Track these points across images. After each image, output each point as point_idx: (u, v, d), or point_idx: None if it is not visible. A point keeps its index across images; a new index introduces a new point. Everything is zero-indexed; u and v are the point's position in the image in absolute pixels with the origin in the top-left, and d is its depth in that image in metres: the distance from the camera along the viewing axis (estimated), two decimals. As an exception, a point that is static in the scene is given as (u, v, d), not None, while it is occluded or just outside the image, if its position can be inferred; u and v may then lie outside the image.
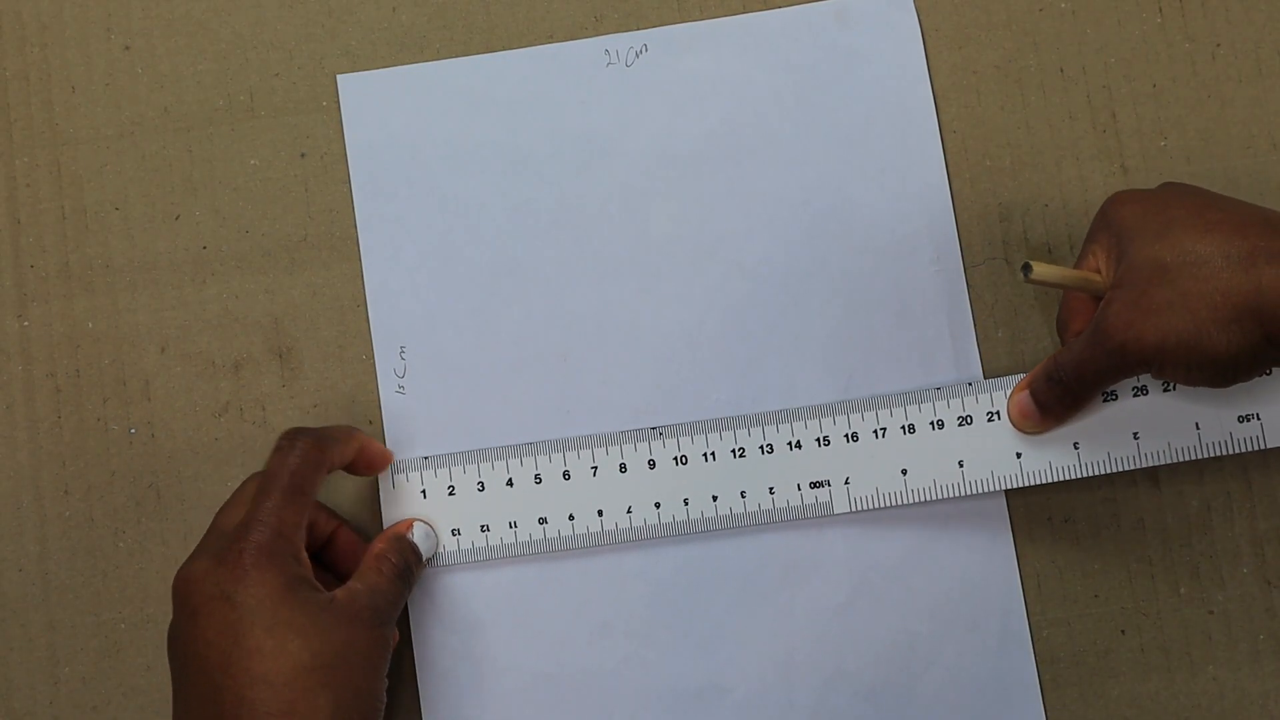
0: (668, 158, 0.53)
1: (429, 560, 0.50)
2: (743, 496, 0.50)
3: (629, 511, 0.50)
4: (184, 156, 0.53)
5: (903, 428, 0.50)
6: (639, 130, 0.53)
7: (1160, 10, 0.53)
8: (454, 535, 0.50)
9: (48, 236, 0.53)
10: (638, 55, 0.53)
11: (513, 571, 0.51)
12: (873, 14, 0.53)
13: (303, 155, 0.53)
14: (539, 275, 0.52)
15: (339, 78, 0.53)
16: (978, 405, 0.50)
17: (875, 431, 0.50)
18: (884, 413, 0.50)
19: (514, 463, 0.51)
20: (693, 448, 0.50)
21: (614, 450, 0.51)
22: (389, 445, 0.52)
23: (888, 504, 0.50)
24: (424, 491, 0.51)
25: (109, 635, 0.51)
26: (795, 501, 0.50)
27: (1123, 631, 0.51)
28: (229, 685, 0.42)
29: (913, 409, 0.50)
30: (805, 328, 0.52)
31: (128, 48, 0.54)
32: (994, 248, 0.52)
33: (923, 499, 0.50)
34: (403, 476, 0.51)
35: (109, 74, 0.54)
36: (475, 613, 0.51)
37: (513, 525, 0.50)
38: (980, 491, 0.49)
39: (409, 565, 0.49)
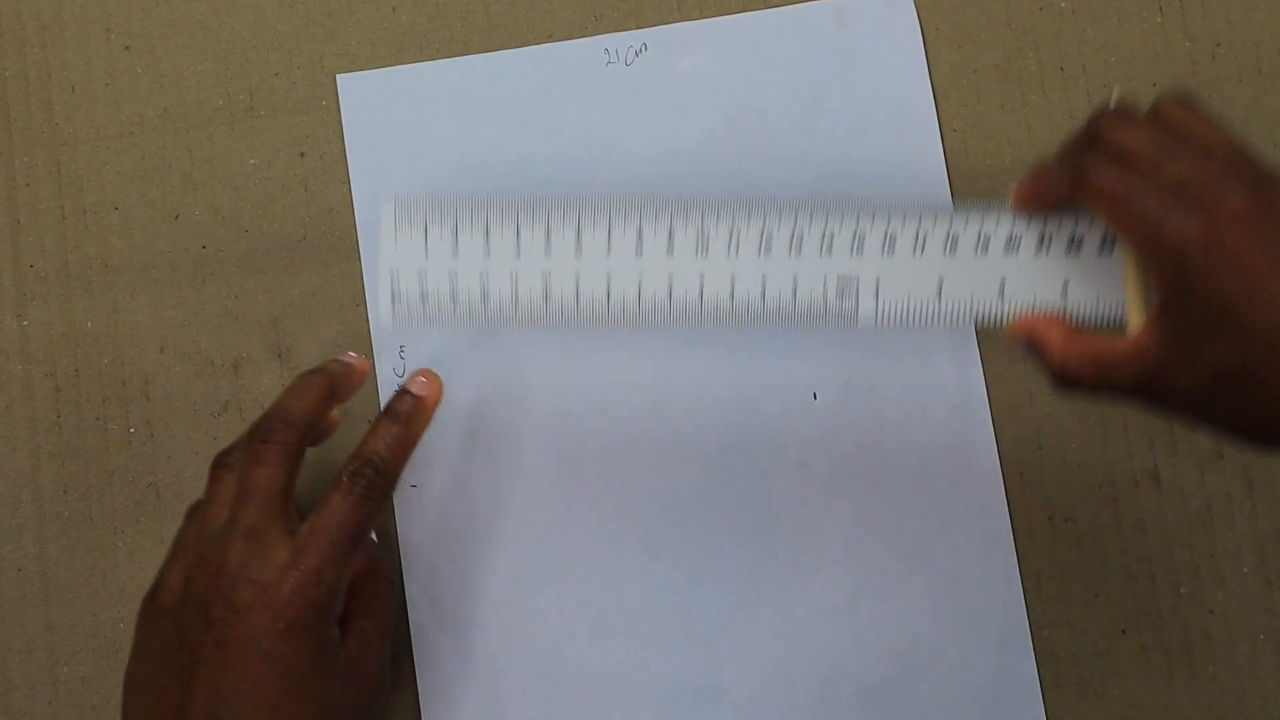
0: (668, 157, 0.53)
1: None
2: (763, 286, 0.46)
3: (639, 288, 0.47)
4: (184, 156, 0.53)
5: (945, 243, 0.45)
6: (639, 130, 0.53)
7: (1160, 9, 0.53)
8: (451, 298, 0.47)
9: (47, 236, 0.53)
10: (637, 54, 0.53)
11: (512, 571, 0.51)
12: (872, 13, 0.53)
13: (302, 155, 0.53)
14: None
15: (339, 78, 0.53)
16: (1028, 230, 0.45)
17: (915, 242, 0.46)
18: (927, 223, 0.46)
19: (524, 229, 0.47)
20: (716, 234, 0.46)
21: (631, 228, 0.47)
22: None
23: (917, 321, 0.46)
24: (426, 250, 0.47)
25: (109, 635, 0.51)
26: (819, 299, 0.46)
27: (1123, 631, 0.51)
28: None
29: (959, 222, 0.45)
30: (805, 327, 0.52)
31: (128, 48, 0.54)
32: (994, 247, 0.52)
33: (955, 321, 0.45)
34: (405, 224, 0.47)
35: (109, 74, 0.54)
36: (475, 612, 0.51)
37: (513, 280, 0.47)
38: (1020, 315, 0.45)
39: (389, 569, 0.49)
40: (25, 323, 0.53)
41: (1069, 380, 0.43)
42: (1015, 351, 0.50)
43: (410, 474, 0.51)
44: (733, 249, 0.46)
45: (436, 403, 0.49)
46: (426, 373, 0.49)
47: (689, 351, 0.52)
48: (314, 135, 0.53)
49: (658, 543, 0.51)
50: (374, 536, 0.50)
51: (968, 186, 0.52)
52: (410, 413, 0.47)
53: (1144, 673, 0.51)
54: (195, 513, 0.46)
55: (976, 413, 0.51)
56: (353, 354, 0.49)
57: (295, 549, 0.43)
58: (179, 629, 0.43)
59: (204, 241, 0.53)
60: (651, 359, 0.52)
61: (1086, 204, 0.42)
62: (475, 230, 0.47)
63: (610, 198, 0.47)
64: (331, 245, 0.53)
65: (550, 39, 0.53)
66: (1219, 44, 0.53)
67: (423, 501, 0.51)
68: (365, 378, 0.49)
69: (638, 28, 0.53)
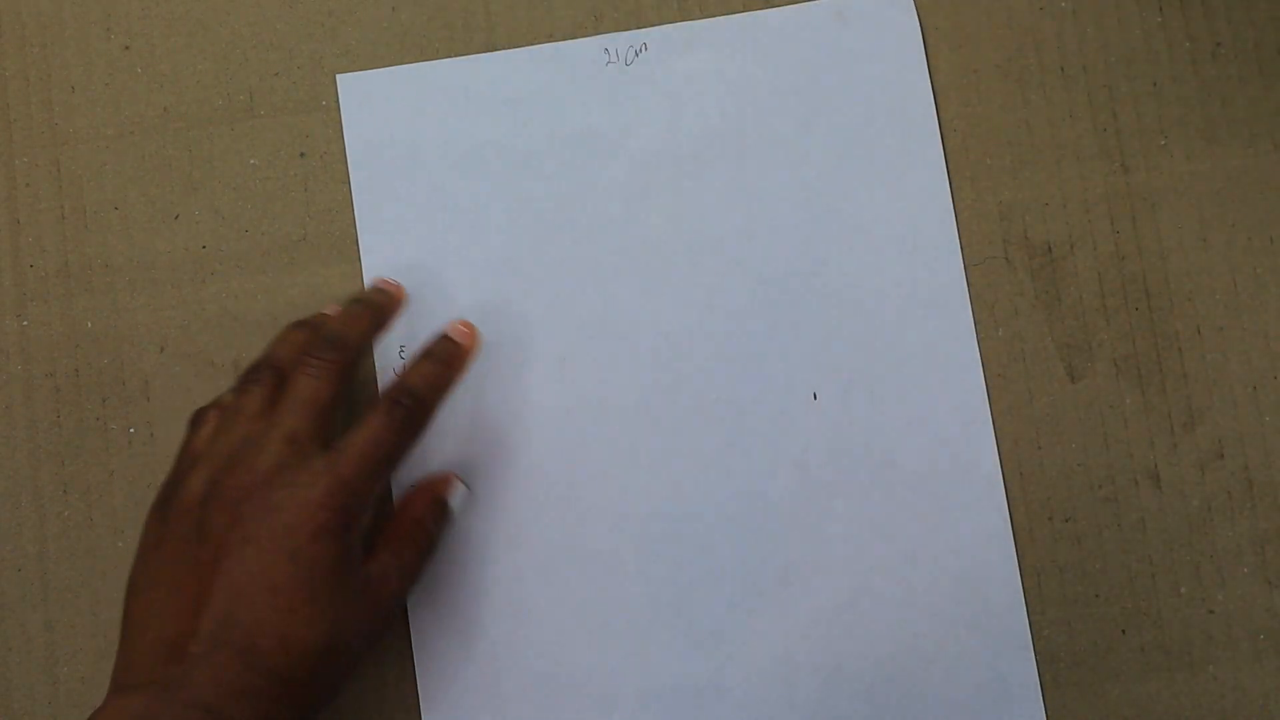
0: (668, 156, 0.53)
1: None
2: None
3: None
4: (184, 156, 0.53)
5: None
6: (639, 129, 0.53)
7: (1160, 9, 0.53)
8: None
9: (47, 236, 0.53)
10: (637, 54, 0.53)
11: (513, 570, 0.51)
12: (873, 13, 0.53)
13: (303, 155, 0.53)
14: (539, 275, 0.52)
15: (339, 77, 0.53)
16: None
17: None
18: None
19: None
20: None
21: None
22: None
23: None
24: None
25: (108, 635, 0.51)
26: None
27: (1123, 631, 0.51)
28: (246, 628, 0.42)
29: None
30: (805, 327, 0.52)
31: (127, 48, 0.54)
32: (994, 247, 0.52)
33: None
34: None
35: (109, 74, 0.54)
36: (475, 613, 0.51)
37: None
38: None
39: (440, 535, 0.49)
40: (25, 323, 0.53)
41: None
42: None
43: (410, 474, 0.51)
44: None
45: (473, 351, 0.50)
46: (467, 324, 0.50)
47: (689, 352, 0.52)
48: (314, 135, 0.53)
49: (658, 543, 0.51)
50: (457, 500, 0.50)
51: (967, 186, 0.52)
52: (449, 356, 0.48)
53: (1144, 673, 0.51)
54: (202, 422, 0.47)
55: (976, 413, 0.51)
56: (390, 279, 0.51)
57: (331, 459, 0.44)
58: (200, 528, 0.44)
59: (204, 241, 0.53)
60: (651, 359, 0.52)
61: None
62: None
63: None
64: (331, 245, 0.53)
65: (550, 39, 0.53)
66: (1219, 43, 0.53)
67: (423, 501, 0.51)
68: (404, 304, 0.51)
69: (638, 28, 0.53)
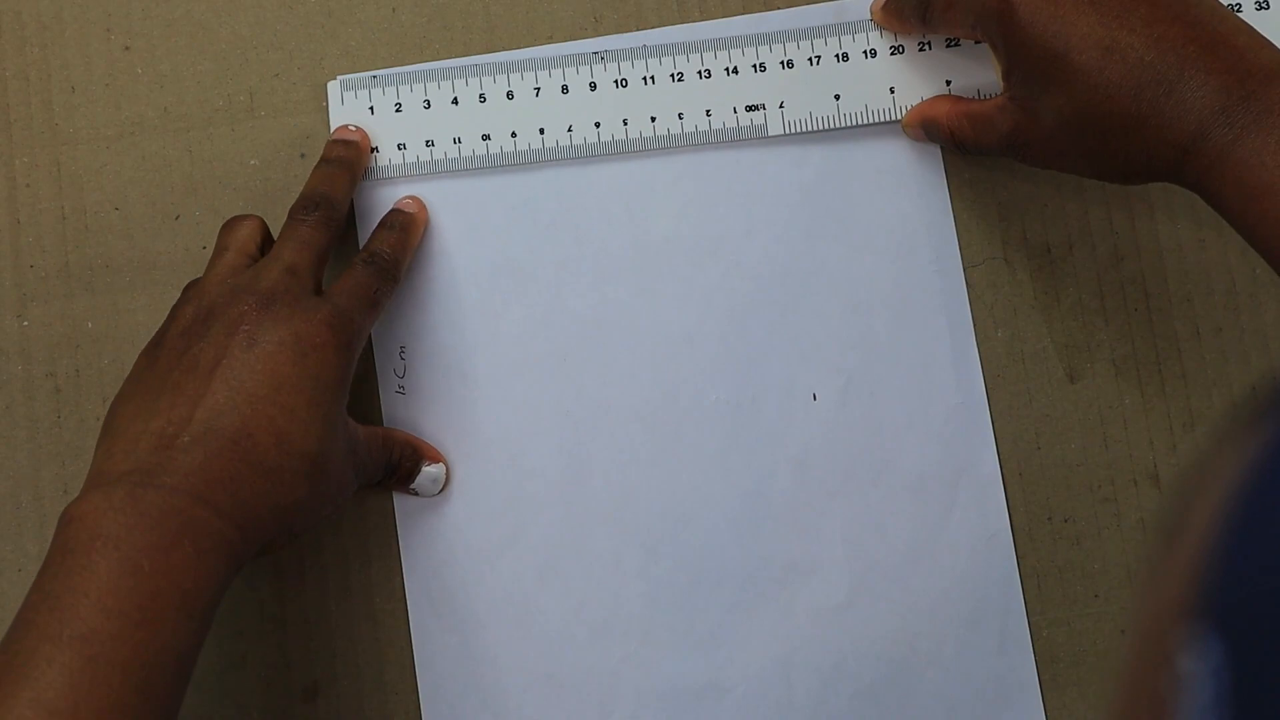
0: (667, 157, 0.53)
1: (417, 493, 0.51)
2: (680, 118, 0.52)
3: (570, 130, 0.52)
4: (184, 156, 0.53)
5: (836, 55, 0.51)
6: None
7: (1160, 10, 0.53)
8: (400, 149, 0.52)
9: (48, 236, 0.53)
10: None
11: (513, 570, 0.51)
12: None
13: (302, 155, 0.53)
14: (539, 275, 0.52)
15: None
16: (910, 36, 0.51)
17: (810, 59, 0.51)
18: (819, 41, 0.51)
19: (459, 82, 0.52)
20: (633, 71, 0.52)
21: (556, 72, 0.52)
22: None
23: (820, 128, 0.51)
24: (371, 108, 0.52)
25: (109, 635, 0.51)
26: (730, 124, 0.52)
27: (1123, 631, 0.51)
28: (243, 417, 0.42)
29: (846, 38, 0.51)
30: (805, 328, 0.52)
31: (128, 48, 0.54)
32: (993, 248, 0.52)
33: (854, 123, 0.51)
34: (351, 93, 0.52)
35: (109, 74, 0.54)
36: (475, 613, 0.51)
37: (457, 140, 0.52)
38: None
39: (392, 469, 0.49)
40: (25, 323, 0.53)
41: (959, 141, 0.49)
42: (915, 136, 0.52)
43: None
44: (649, 81, 0.52)
45: (425, 223, 0.52)
46: (413, 198, 0.52)
47: (689, 352, 0.52)
48: (314, 136, 0.53)
49: (658, 543, 0.51)
50: (429, 474, 0.50)
51: (967, 187, 0.52)
52: (404, 223, 0.50)
53: (1143, 672, 0.51)
54: (195, 284, 0.47)
55: (976, 413, 0.51)
56: (351, 126, 0.52)
57: (327, 294, 0.46)
58: (201, 339, 0.44)
59: (204, 242, 0.53)
60: (651, 359, 0.52)
61: (936, 19, 0.48)
62: (416, 97, 0.52)
63: (534, 55, 0.53)
64: (331, 245, 0.53)
65: (550, 40, 0.53)
66: (1218, 45, 0.53)
67: (423, 502, 0.51)
68: (369, 146, 0.52)
69: (638, 28, 0.53)
